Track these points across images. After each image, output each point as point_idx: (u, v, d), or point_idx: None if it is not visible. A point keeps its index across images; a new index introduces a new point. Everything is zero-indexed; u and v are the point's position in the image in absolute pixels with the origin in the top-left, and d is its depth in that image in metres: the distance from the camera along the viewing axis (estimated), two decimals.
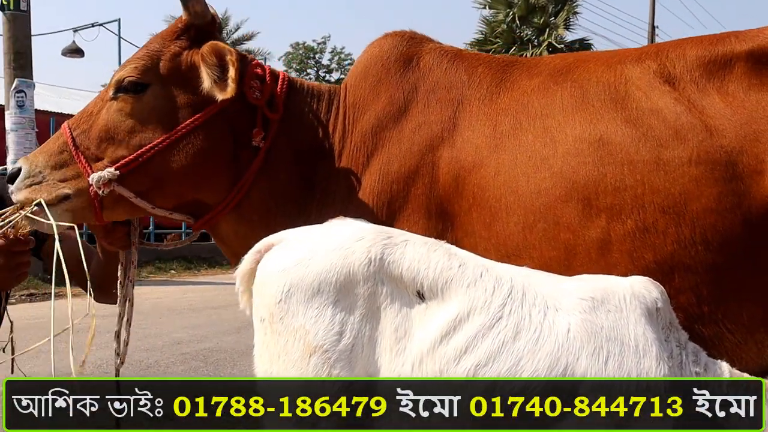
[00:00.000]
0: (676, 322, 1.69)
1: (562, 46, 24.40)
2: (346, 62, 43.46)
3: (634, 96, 1.87)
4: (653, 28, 28.11)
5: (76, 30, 19.48)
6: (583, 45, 25.09)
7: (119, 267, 2.23)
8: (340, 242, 1.65)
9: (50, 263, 2.34)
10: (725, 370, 1.68)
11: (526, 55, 21.49)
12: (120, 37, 21.52)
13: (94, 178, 1.97)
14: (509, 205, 1.88)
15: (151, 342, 7.31)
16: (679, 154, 1.77)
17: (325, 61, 44.62)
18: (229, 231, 2.17)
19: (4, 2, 12.66)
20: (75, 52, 18.91)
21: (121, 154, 2.01)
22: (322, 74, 43.94)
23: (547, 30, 24.79)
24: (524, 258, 1.85)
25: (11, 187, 2.02)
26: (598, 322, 1.59)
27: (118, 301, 2.23)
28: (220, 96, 1.98)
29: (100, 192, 1.98)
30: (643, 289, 1.65)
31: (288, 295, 1.64)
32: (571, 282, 1.70)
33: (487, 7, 25.50)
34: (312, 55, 44.42)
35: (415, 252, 1.64)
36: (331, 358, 1.62)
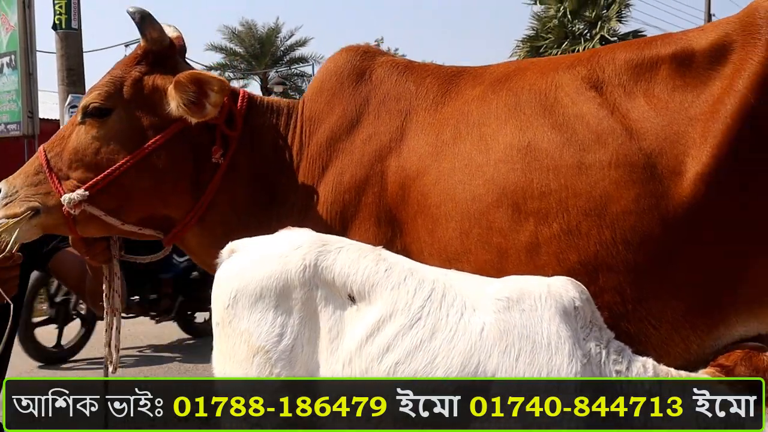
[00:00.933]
0: (599, 321, 1.73)
1: (615, 38, 23.46)
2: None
3: (562, 102, 1.92)
4: (710, 17, 27.14)
5: (126, 45, 19.87)
6: (636, 37, 24.39)
7: (104, 280, 2.33)
8: (279, 251, 1.77)
9: (61, 276, 2.52)
10: (649, 368, 1.71)
11: (578, 50, 21.27)
12: None
13: (65, 199, 2.09)
14: (448, 212, 1.95)
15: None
16: (600, 157, 1.81)
17: None
18: (194, 243, 2.29)
19: (56, 21, 13.03)
20: None
21: (90, 175, 2.12)
22: None
23: (599, 23, 24.34)
24: (463, 262, 1.91)
25: None
26: (511, 321, 1.65)
27: (105, 312, 2.33)
28: (193, 118, 2.10)
29: (72, 212, 2.10)
30: (561, 289, 1.70)
31: (235, 300, 1.77)
32: (494, 284, 1.76)
33: (537, 3, 25.23)
34: None
35: (347, 258, 1.75)
36: (273, 358, 1.73)
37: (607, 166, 1.81)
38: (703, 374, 1.78)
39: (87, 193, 2.10)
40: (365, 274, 1.74)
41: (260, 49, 33.72)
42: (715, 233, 1.78)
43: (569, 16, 24.78)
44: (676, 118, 1.81)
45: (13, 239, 2.10)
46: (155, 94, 2.18)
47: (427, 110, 2.12)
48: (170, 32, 2.32)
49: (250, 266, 1.79)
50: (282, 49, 34.83)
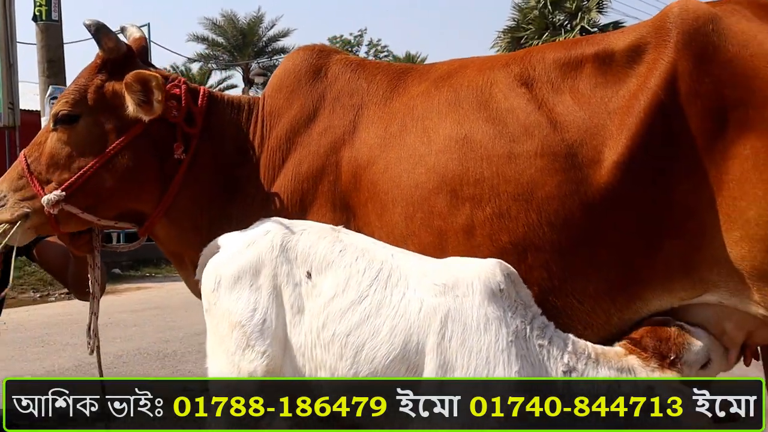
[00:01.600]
0: (527, 299, 1.90)
1: (596, 29, 23.53)
2: (383, 54, 43.37)
3: (496, 98, 2.08)
4: None
5: None
6: (617, 28, 24.30)
7: (89, 268, 2.48)
8: (252, 237, 2.01)
9: (45, 265, 2.70)
10: (569, 342, 1.88)
11: (558, 40, 21.39)
12: (150, 41, 21.65)
13: (44, 200, 2.26)
14: (395, 198, 2.12)
15: (173, 333, 7.54)
16: (527, 148, 1.98)
17: (362, 54, 44.67)
18: (163, 234, 2.43)
19: (37, 13, 13.06)
20: None
21: (65, 177, 2.29)
22: None
23: (580, 14, 24.35)
24: (408, 244, 2.08)
25: None
26: (446, 305, 1.84)
27: (91, 298, 2.48)
28: (146, 117, 2.24)
29: (52, 211, 2.26)
30: (489, 273, 1.87)
31: (218, 285, 2.00)
32: (434, 266, 1.95)
33: None
34: (349, 48, 44.37)
35: (308, 239, 1.97)
36: (248, 332, 1.93)
37: (533, 155, 1.97)
38: (617, 347, 1.94)
39: (64, 193, 2.26)
40: (322, 253, 1.93)
41: (242, 40, 33.58)
42: (631, 218, 1.92)
43: (550, 7, 24.79)
44: (597, 112, 1.96)
45: (4, 243, 2.27)
46: (115, 99, 2.31)
47: (377, 105, 2.28)
48: (133, 33, 2.49)
49: (230, 255, 2.01)
50: (264, 40, 34.59)
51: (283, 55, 32.62)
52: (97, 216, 2.33)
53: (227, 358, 1.96)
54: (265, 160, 2.35)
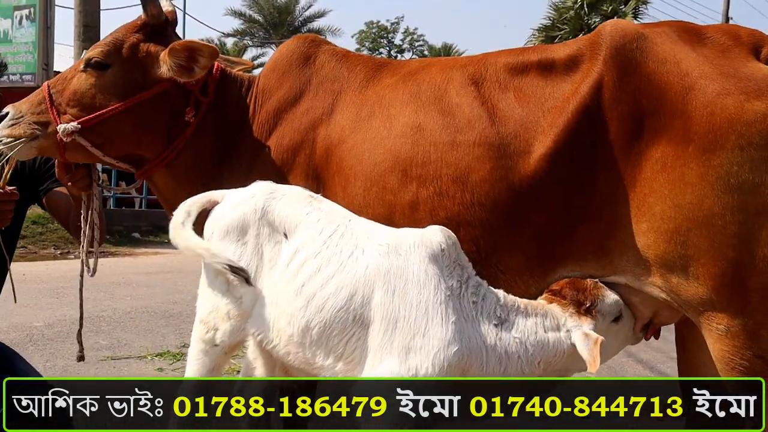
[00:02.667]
0: (463, 261, 2.11)
1: None
2: (418, 43, 43.44)
3: (449, 93, 2.38)
4: (727, 19, 27.00)
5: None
6: None
7: (83, 205, 2.78)
8: (240, 199, 2.26)
9: (53, 212, 3.00)
10: (500, 298, 2.09)
11: None
12: (185, 12, 21.73)
13: (60, 128, 2.56)
14: (356, 174, 2.41)
15: (181, 296, 7.79)
16: (468, 138, 2.27)
17: (397, 41, 44.52)
18: (161, 183, 2.75)
19: None
20: None
21: (83, 113, 2.60)
22: (394, 54, 43.32)
23: (615, 18, 24.47)
24: (365, 214, 2.34)
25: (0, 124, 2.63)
26: (389, 263, 2.04)
27: (82, 232, 2.76)
28: (182, 79, 2.57)
29: (65, 139, 2.56)
30: (431, 236, 2.09)
31: (211, 236, 2.25)
32: (383, 230, 2.18)
33: None
34: (385, 35, 44.31)
35: (285, 203, 2.21)
36: (230, 278, 2.16)
37: (472, 144, 2.26)
38: (541, 300, 2.15)
39: (79, 126, 2.57)
40: (295, 215, 2.18)
41: (278, 18, 33.68)
42: (553, 203, 2.18)
43: (586, 9, 24.53)
44: (533, 110, 2.24)
45: (10, 156, 2.57)
46: (147, 58, 2.63)
47: (353, 92, 2.58)
48: (165, 5, 2.76)
49: (221, 212, 2.28)
50: (300, 19, 34.83)
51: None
52: (103, 152, 2.63)
53: (211, 299, 2.21)
54: (255, 130, 2.66)
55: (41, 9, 14.21)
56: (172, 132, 2.66)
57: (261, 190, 2.27)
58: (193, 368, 2.17)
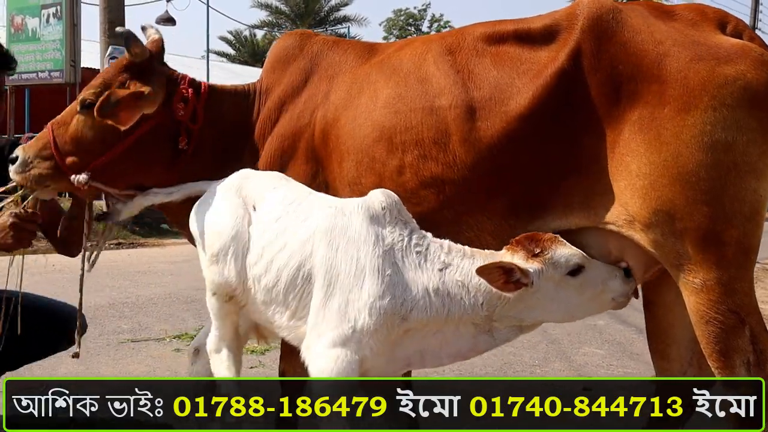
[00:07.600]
0: (406, 217, 2.27)
1: None
2: (445, 30, 42.98)
3: (427, 62, 2.53)
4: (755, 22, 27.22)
5: (168, 0, 20.54)
6: None
7: (86, 210, 2.91)
8: (227, 184, 2.53)
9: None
10: (445, 246, 2.22)
11: None
12: (209, 6, 21.75)
13: (74, 179, 2.71)
14: (349, 149, 2.55)
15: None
16: (445, 102, 2.41)
17: (424, 29, 44.20)
18: (167, 203, 2.87)
19: None
20: (167, 20, 20.16)
21: (85, 156, 2.74)
22: None
23: None
24: (358, 185, 2.51)
25: (11, 168, 2.77)
26: (334, 222, 2.23)
27: (83, 233, 2.89)
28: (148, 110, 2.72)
29: (82, 188, 2.72)
30: (374, 198, 2.26)
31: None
32: (334, 198, 2.38)
33: None
34: (413, 22, 44.20)
35: (256, 183, 2.49)
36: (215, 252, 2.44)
37: (448, 108, 2.40)
38: (504, 252, 2.20)
39: (89, 175, 2.71)
40: (261, 191, 2.44)
41: (305, 8, 33.59)
42: (534, 158, 2.31)
43: None
44: (509, 72, 2.38)
45: (33, 197, 2.78)
46: None
47: (345, 73, 2.73)
48: (152, 34, 2.90)
49: (212, 193, 2.57)
50: (326, 9, 34.76)
51: (344, 24, 33.61)
52: (112, 187, 2.79)
53: (206, 269, 2.50)
54: (258, 127, 2.80)
55: (68, 7, 14.45)
56: (170, 160, 2.78)
57: (240, 173, 2.56)
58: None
